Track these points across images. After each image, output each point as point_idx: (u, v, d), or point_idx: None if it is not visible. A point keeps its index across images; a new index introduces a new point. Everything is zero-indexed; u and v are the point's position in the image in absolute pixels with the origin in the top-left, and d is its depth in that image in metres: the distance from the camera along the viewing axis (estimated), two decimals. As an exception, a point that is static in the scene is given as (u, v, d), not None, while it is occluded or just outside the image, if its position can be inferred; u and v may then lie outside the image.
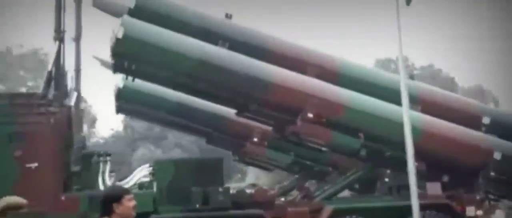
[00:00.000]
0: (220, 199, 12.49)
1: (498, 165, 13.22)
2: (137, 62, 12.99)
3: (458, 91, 42.73)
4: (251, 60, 12.98)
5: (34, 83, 43.31)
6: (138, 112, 18.67)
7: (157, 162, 13.55)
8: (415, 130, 13.10)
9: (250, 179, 28.03)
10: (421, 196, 13.45)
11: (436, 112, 13.89)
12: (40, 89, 12.99)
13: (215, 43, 13.23)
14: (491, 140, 13.61)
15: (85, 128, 35.79)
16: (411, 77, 14.79)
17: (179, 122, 18.20)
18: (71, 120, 13.55)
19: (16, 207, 5.08)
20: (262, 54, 13.57)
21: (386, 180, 14.76)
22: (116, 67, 13.85)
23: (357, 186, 18.44)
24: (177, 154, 34.51)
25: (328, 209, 12.77)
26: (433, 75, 48.49)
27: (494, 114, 14.60)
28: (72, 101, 13.62)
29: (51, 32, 13.62)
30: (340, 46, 60.83)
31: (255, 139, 16.97)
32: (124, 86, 16.62)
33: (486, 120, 14.16)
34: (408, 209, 13.15)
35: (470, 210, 13.05)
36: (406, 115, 11.59)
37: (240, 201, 13.00)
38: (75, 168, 13.25)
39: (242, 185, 24.09)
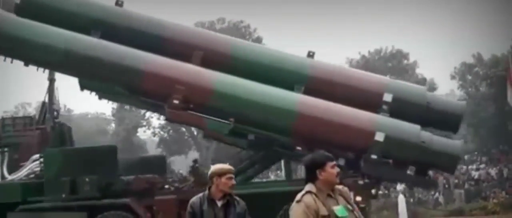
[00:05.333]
0: (86, 189, 12.60)
1: (380, 147, 12.17)
2: (13, 56, 13.30)
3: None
4: (121, 48, 12.89)
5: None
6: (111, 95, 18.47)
7: (45, 151, 13.72)
8: (289, 113, 12.49)
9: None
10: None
11: (331, 91, 13.04)
12: None
13: (105, 32, 13.30)
14: (379, 120, 12.53)
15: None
16: (310, 54, 13.75)
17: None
18: None
19: (221, 173, 5.98)
20: (149, 41, 13.39)
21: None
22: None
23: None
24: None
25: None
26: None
27: (401, 90, 13.36)
28: None
29: None
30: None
31: None
32: None
33: (387, 97, 13.01)
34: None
35: (347, 196, 12.09)
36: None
37: (116, 189, 13.02)
38: None
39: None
